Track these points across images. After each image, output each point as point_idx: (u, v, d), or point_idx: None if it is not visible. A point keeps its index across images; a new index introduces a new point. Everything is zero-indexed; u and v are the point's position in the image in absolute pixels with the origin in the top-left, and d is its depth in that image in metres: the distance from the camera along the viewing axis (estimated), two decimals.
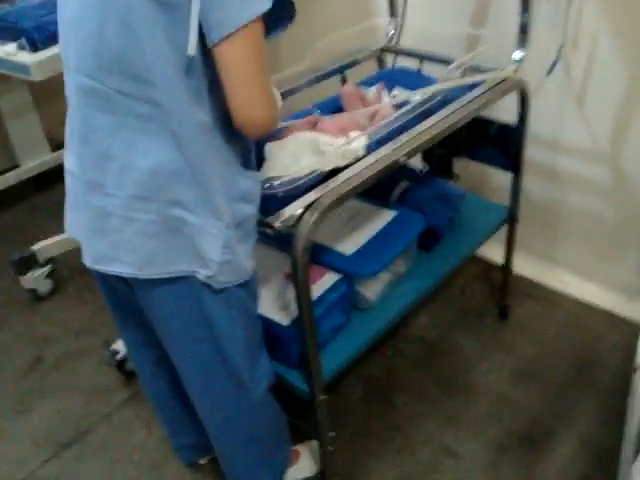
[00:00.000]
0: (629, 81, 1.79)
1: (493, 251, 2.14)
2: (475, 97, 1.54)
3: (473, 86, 1.59)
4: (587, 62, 1.83)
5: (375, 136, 1.36)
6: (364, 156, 1.32)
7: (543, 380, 1.88)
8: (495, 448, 1.71)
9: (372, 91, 1.64)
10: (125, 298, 1.24)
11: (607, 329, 2.03)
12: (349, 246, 1.54)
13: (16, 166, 2.80)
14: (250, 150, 1.12)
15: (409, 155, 1.34)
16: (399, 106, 1.50)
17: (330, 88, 1.78)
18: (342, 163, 1.27)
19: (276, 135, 1.39)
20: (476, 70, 1.66)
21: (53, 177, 2.64)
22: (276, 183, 1.17)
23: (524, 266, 2.20)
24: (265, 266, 1.48)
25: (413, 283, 1.65)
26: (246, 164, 1.11)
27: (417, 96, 1.48)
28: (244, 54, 0.95)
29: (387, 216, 1.64)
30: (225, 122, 1.03)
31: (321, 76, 1.76)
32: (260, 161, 1.31)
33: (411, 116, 1.44)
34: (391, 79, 1.75)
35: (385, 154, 1.33)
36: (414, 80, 1.74)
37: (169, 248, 1.05)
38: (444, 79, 1.54)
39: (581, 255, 2.15)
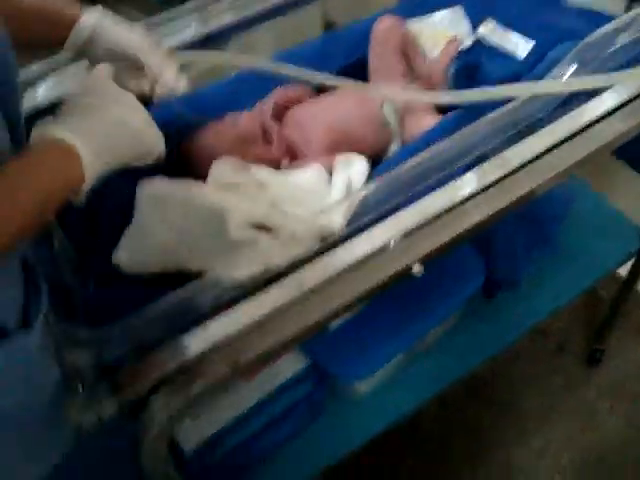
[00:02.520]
0: None
1: None
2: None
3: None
4: None
5: (379, 189, 0.64)
6: (340, 239, 0.62)
7: None
8: None
9: (433, 26, 0.86)
10: None
11: None
12: None
13: None
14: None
15: (441, 250, 0.63)
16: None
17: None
18: (282, 260, 0.59)
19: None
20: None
21: None
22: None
23: None
24: None
25: (448, 360, 1.00)
26: None
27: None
28: None
29: None
30: None
31: None
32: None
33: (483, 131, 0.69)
34: None
35: (392, 247, 0.62)
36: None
37: None
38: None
39: None
